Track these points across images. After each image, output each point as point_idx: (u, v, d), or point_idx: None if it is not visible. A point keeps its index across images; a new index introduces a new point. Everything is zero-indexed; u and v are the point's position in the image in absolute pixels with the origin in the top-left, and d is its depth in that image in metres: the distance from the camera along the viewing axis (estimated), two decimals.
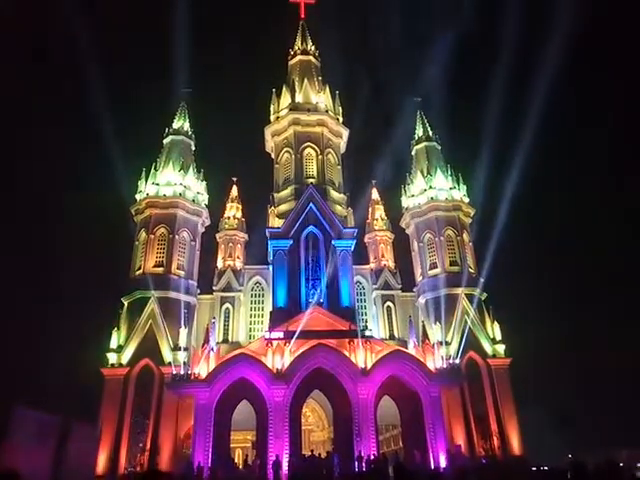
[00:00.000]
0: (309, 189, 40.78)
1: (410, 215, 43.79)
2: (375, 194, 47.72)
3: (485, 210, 43.83)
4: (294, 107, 46.35)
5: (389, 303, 41.30)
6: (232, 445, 33.01)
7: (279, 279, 37.91)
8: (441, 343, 35.67)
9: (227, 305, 39.93)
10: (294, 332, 31.89)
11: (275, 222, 40.56)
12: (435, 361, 32.68)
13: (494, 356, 36.91)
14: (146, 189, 41.47)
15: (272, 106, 48.57)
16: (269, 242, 39.70)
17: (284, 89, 48.66)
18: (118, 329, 35.52)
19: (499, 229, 38.86)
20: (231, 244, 42.84)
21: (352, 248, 39.92)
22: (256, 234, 44.20)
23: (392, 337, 39.57)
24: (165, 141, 44.94)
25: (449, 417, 33.98)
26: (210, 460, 28.35)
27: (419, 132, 48.16)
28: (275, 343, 31.60)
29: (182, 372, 31.36)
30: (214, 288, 40.47)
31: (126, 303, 37.31)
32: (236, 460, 33.75)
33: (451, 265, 40.51)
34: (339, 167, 46.28)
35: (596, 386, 58.30)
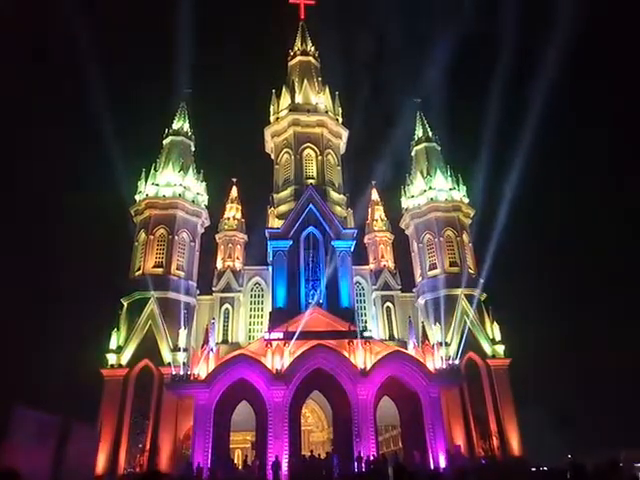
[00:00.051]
0: (309, 190, 40.81)
1: (410, 216, 43.82)
2: (375, 195, 47.74)
3: (485, 211, 43.93)
4: (294, 108, 46.40)
5: (389, 304, 41.32)
6: (232, 446, 32.99)
7: (279, 280, 37.93)
8: (441, 344, 35.71)
9: (227, 306, 39.94)
10: (294, 333, 31.91)
11: (275, 223, 40.59)
12: (435, 362, 32.69)
13: (494, 356, 36.93)
14: (146, 190, 41.47)
15: (272, 107, 48.62)
16: (269, 243, 39.73)
17: (284, 90, 48.71)
18: (118, 330, 35.53)
19: (499, 229, 38.93)
20: (231, 245, 42.85)
21: (352, 249, 39.98)
22: (256, 235, 44.32)
23: (392, 338, 39.58)
24: (165, 142, 44.97)
25: (449, 417, 34.00)
26: (209, 461, 28.34)
27: (419, 133, 48.20)
28: (275, 344, 31.59)
29: (181, 373, 31.39)
30: (214, 289, 40.49)
31: (126, 304, 37.30)
32: (236, 461, 33.79)
33: (451, 266, 40.53)
34: (339, 168, 46.33)
35: (596, 386, 58.29)
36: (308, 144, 44.99)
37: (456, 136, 56.20)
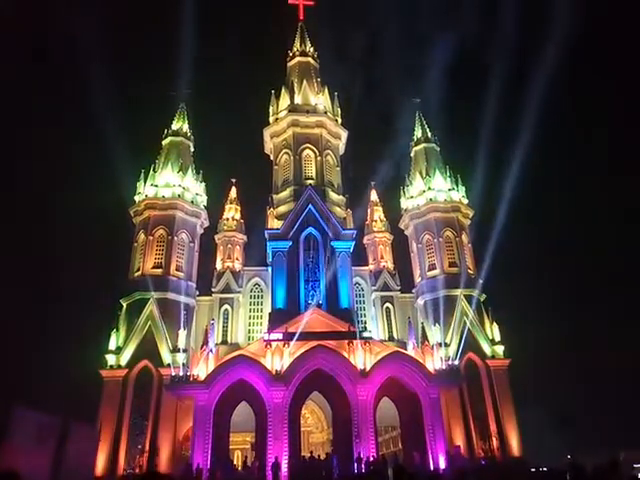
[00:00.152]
0: (308, 190, 40.82)
1: (409, 216, 43.84)
2: (374, 195, 47.73)
3: (484, 211, 43.91)
4: (293, 109, 46.43)
5: (388, 304, 41.31)
6: (231, 447, 32.93)
7: (278, 280, 37.92)
8: (440, 344, 35.73)
9: (226, 306, 39.91)
10: (293, 333, 31.89)
11: (274, 223, 40.59)
12: (434, 362, 32.69)
13: (493, 357, 36.93)
14: (145, 190, 41.48)
15: (271, 107, 48.65)
16: (268, 243, 39.72)
17: (283, 90, 48.75)
18: (117, 330, 35.50)
19: (498, 230, 38.86)
20: (230, 245, 42.82)
21: (351, 249, 39.96)
22: (255, 235, 44.24)
23: (391, 338, 39.56)
24: (164, 142, 44.96)
25: (448, 418, 34.00)
26: (209, 462, 28.29)
27: (418, 133, 48.22)
28: (274, 344, 31.58)
29: (181, 374, 31.36)
30: (213, 289, 40.46)
31: (125, 304, 37.29)
32: (235, 462, 33.80)
33: (450, 266, 40.55)
34: (338, 168, 46.36)
35: (596, 386, 58.23)
36: (307, 145, 45.01)
37: (455, 136, 56.50)
